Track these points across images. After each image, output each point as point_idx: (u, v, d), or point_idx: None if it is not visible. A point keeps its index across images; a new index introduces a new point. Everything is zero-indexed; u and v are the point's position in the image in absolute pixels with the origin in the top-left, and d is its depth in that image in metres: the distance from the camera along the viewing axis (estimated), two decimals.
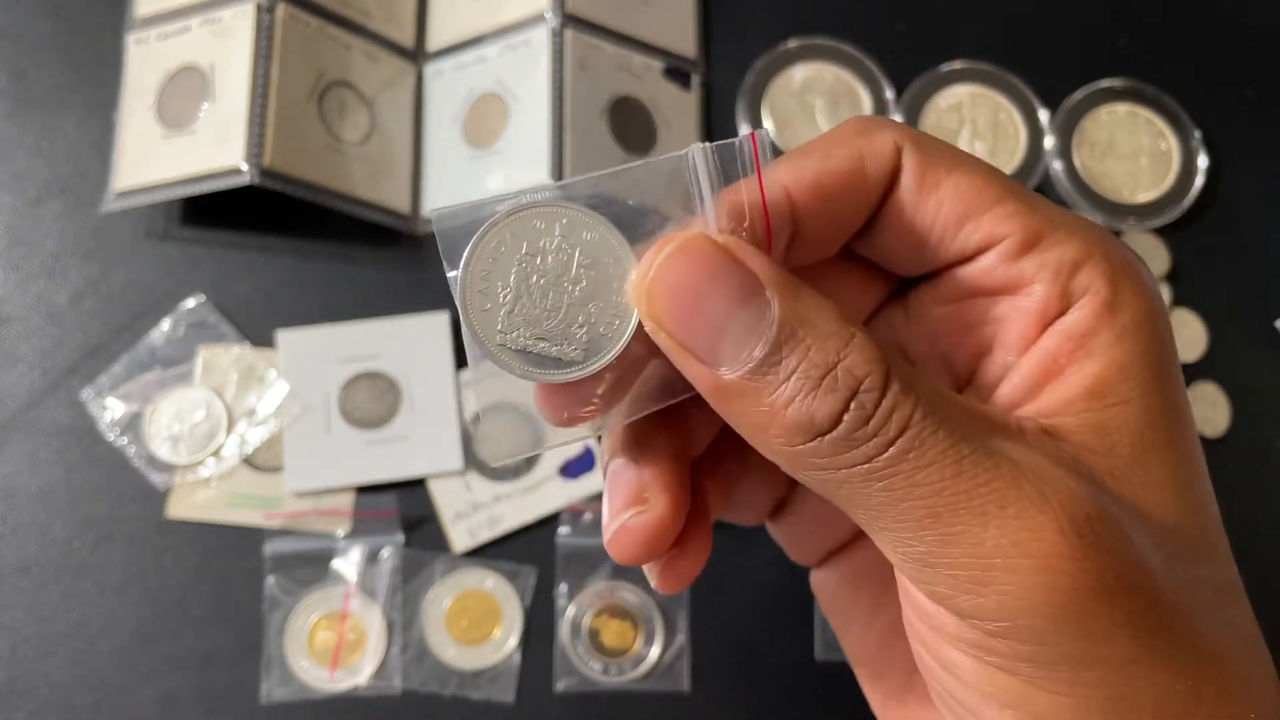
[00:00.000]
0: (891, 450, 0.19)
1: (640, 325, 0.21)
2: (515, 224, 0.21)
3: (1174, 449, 0.21)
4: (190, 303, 0.50)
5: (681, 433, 0.25)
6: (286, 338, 0.50)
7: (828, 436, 0.19)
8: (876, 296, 0.25)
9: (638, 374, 0.22)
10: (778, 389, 0.19)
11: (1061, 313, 0.22)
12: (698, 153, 0.21)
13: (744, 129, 0.54)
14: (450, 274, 0.21)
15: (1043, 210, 0.22)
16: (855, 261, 0.25)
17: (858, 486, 0.20)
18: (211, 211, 0.52)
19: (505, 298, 0.21)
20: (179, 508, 0.47)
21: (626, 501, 0.23)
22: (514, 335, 0.21)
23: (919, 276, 0.24)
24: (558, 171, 0.48)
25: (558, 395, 0.22)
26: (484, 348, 0.21)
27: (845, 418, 0.19)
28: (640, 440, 0.24)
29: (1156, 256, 0.52)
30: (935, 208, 0.22)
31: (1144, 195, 0.54)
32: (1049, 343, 0.22)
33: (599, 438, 0.24)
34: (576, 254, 0.21)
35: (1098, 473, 0.21)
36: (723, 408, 0.21)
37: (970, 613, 0.20)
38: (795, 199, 0.22)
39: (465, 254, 0.20)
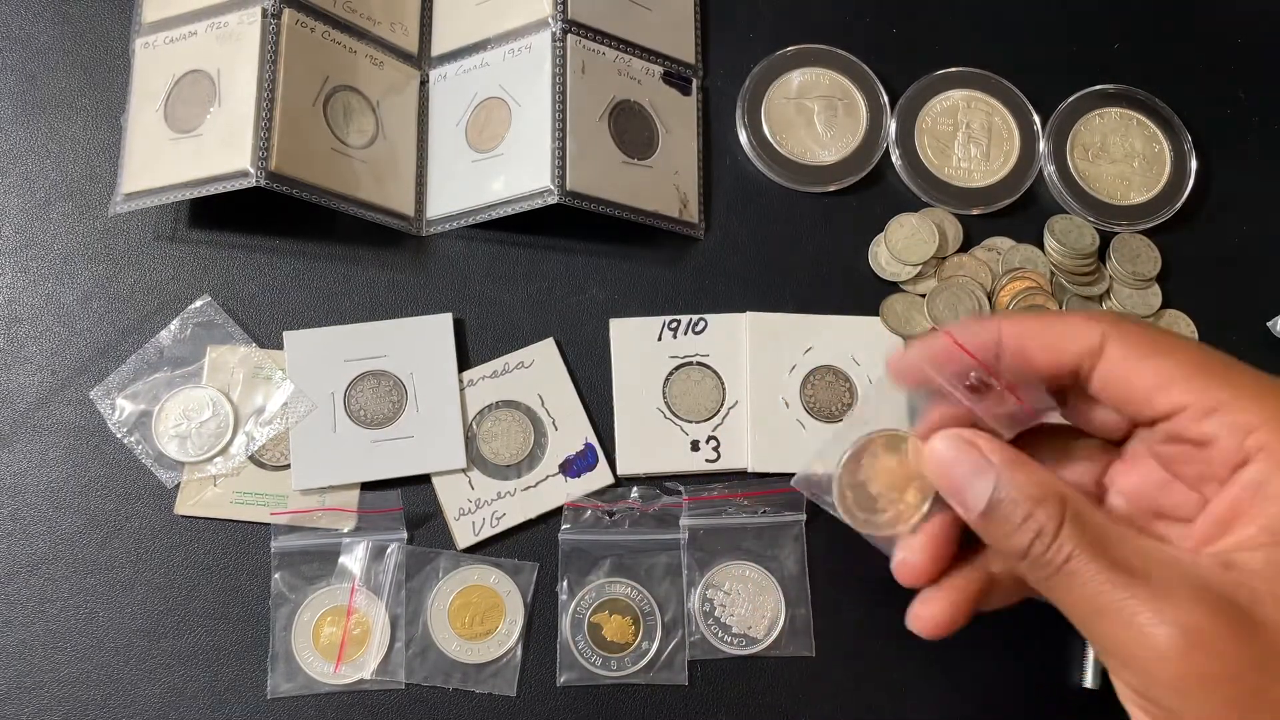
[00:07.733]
0: (1060, 574, 0.30)
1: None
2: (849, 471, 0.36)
3: None
4: (198, 303, 0.51)
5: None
6: (293, 338, 0.50)
7: (1024, 559, 0.31)
8: (1107, 458, 0.36)
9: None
10: (996, 528, 0.32)
11: (1241, 465, 0.30)
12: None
13: (743, 136, 0.55)
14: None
15: (1232, 383, 0.30)
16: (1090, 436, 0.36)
17: (1044, 585, 0.31)
18: (218, 214, 0.52)
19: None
20: (186, 505, 0.48)
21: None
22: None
23: (1123, 440, 0.35)
24: (559, 174, 0.49)
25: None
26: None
27: (1030, 551, 0.31)
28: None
29: (1148, 258, 0.53)
30: (1132, 383, 0.32)
31: (1136, 197, 0.55)
32: (1232, 491, 0.30)
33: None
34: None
35: (1261, 595, 0.28)
36: (975, 529, 0.33)
37: (1122, 678, 0.30)
38: (1003, 352, 0.33)
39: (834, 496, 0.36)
